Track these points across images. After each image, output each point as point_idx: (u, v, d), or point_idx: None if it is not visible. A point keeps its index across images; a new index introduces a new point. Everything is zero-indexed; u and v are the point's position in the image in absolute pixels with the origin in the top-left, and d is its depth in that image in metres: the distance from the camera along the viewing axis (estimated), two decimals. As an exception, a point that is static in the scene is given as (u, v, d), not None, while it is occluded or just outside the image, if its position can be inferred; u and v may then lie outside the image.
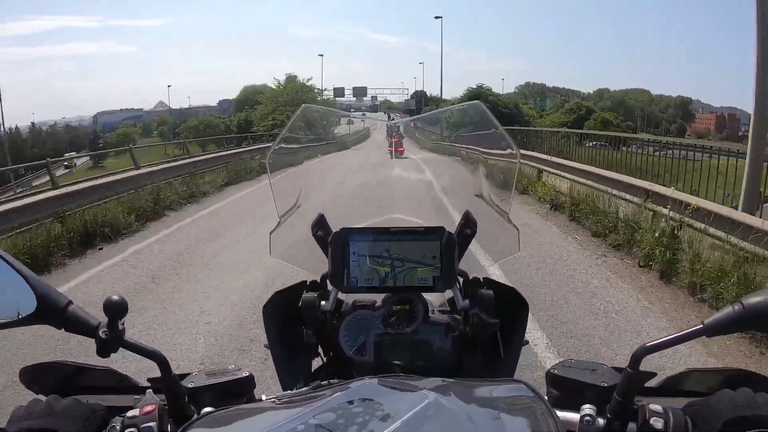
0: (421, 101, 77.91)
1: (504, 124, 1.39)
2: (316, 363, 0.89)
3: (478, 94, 52.33)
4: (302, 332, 0.85)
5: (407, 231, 0.85)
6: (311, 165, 1.08)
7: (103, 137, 50.66)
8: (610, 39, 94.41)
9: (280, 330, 0.86)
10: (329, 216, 0.89)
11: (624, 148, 8.51)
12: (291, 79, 62.76)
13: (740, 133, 46.03)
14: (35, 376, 0.69)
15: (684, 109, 64.95)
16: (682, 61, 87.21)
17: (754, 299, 0.59)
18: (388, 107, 77.75)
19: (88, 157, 36.80)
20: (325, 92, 76.01)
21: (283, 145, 0.96)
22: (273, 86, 55.38)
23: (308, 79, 65.50)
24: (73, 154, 41.46)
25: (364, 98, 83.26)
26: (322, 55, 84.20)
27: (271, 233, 0.92)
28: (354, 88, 73.41)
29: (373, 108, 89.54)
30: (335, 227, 0.87)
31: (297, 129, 1.01)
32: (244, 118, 49.49)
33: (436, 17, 36.64)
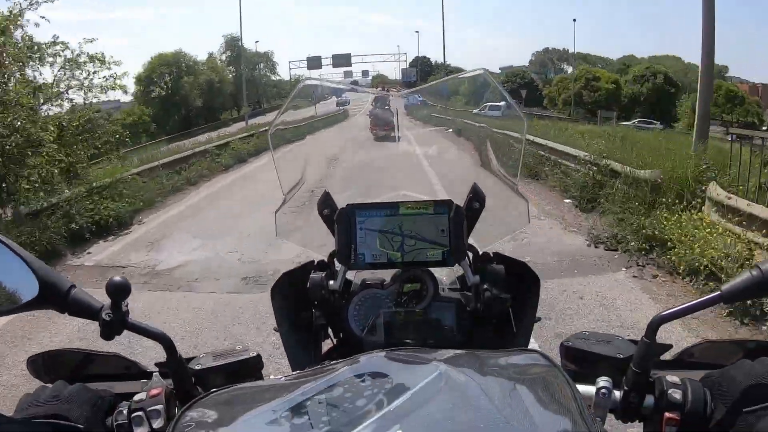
0: (421, 70, 62.69)
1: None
2: (327, 345, 0.91)
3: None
4: (311, 314, 0.89)
5: (414, 205, 0.87)
6: (314, 140, 1.08)
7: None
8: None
9: (289, 312, 0.89)
10: (335, 193, 0.91)
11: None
12: (232, 43, 48.22)
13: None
14: (43, 365, 0.71)
15: (719, 78, 59.62)
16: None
17: None
18: (381, 82, 60.69)
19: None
20: (294, 64, 60.78)
21: (284, 120, 0.98)
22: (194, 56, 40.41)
23: (256, 42, 51.85)
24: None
25: (348, 69, 66.98)
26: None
27: (276, 212, 0.94)
28: (334, 57, 57.28)
29: (364, 85, 73.77)
30: (341, 204, 0.89)
31: (297, 105, 1.00)
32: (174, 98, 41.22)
33: None
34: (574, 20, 43.73)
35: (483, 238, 0.93)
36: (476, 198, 0.89)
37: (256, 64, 53.68)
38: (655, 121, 34.08)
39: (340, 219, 0.87)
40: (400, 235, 0.86)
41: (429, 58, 75.41)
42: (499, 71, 58.46)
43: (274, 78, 60.17)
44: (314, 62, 62.25)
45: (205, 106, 42.79)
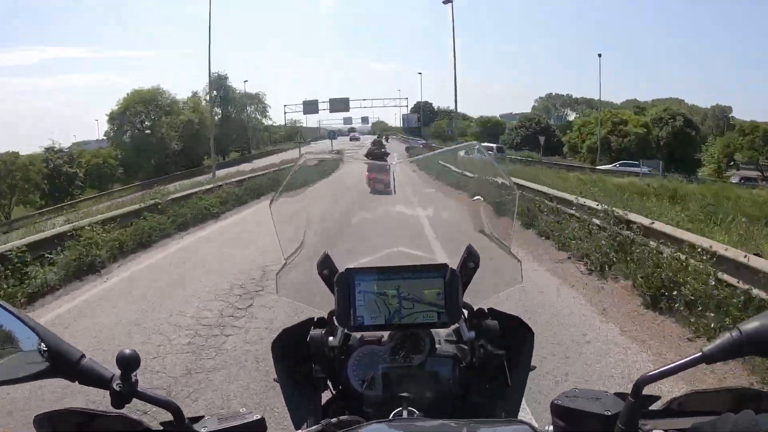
0: (423, 115, 58.94)
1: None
2: (326, 396, 0.96)
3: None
4: (311, 368, 0.92)
5: (411, 269, 0.92)
6: (313, 207, 1.15)
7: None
8: (625, 46, 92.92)
9: (289, 365, 0.93)
10: (333, 253, 0.97)
11: None
12: (219, 82, 44.24)
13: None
14: (49, 424, 0.72)
15: (725, 119, 59.15)
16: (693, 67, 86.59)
17: (751, 325, 0.63)
18: (383, 129, 56.19)
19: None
20: (289, 108, 56.84)
21: (285, 196, 1.06)
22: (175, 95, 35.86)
23: (245, 81, 48.61)
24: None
25: (347, 116, 63.49)
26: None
27: (277, 274, 1.02)
28: (331, 101, 53.32)
29: (363, 134, 69.90)
30: (339, 264, 0.96)
31: (297, 178, 1.10)
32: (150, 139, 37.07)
33: (445, 2, 29.49)
34: (599, 55, 39.99)
35: (478, 295, 1.00)
36: (471, 258, 0.95)
37: (244, 105, 49.69)
38: (640, 165, 31.35)
39: (340, 283, 0.92)
40: (397, 297, 0.91)
41: (431, 103, 72.54)
42: (499, 117, 55.44)
43: (265, 121, 56.45)
44: (311, 107, 58.88)
45: (184, 150, 37.95)
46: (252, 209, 12.40)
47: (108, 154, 35.48)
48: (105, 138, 39.31)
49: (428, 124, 65.49)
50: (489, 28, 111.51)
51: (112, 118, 37.55)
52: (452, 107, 69.25)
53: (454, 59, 25.88)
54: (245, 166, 27.30)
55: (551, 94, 66.36)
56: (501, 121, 53.40)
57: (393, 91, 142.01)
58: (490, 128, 49.96)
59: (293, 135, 71.61)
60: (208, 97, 45.75)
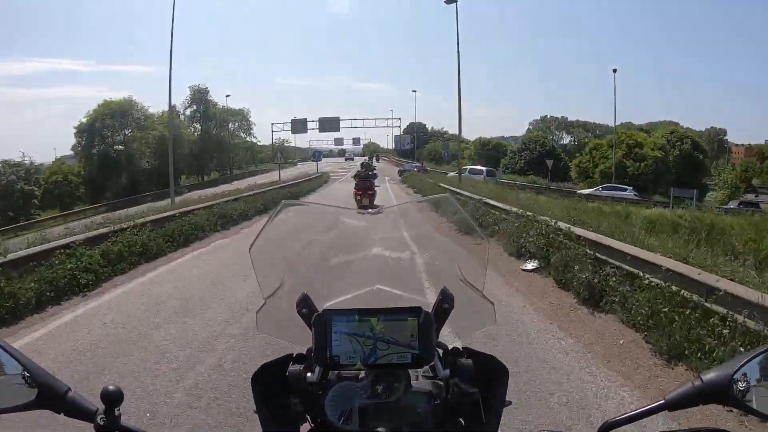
0: (417, 137, 56.63)
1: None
2: (304, 429, 0.98)
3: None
4: (290, 401, 0.95)
5: (386, 311, 0.95)
6: (292, 249, 1.18)
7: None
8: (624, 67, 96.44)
9: (268, 399, 0.96)
10: (312, 292, 1.02)
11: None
12: (199, 96, 41.40)
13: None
14: None
15: (719, 142, 61.38)
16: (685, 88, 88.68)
17: (712, 374, 0.67)
18: (374, 151, 53.44)
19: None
20: (277, 126, 54.24)
21: (265, 240, 1.08)
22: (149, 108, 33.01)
23: (227, 96, 46.06)
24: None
25: (338, 137, 60.84)
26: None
27: (257, 312, 1.03)
28: (321, 121, 50.74)
29: (354, 157, 67.31)
30: (318, 302, 1.00)
31: (278, 224, 1.14)
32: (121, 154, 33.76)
33: (448, 2, 24.32)
34: (614, 70, 37.69)
35: (452, 334, 1.07)
36: (446, 300, 0.99)
37: (226, 121, 46.50)
38: (626, 187, 29.85)
39: (317, 323, 0.94)
40: (372, 339, 0.93)
41: (425, 124, 70.28)
42: (503, 139, 53.57)
43: (249, 139, 53.33)
44: (299, 126, 56.56)
45: (158, 168, 34.50)
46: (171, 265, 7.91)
47: (70, 171, 31.85)
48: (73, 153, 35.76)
49: (421, 146, 63.21)
50: (480, 49, 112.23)
51: (80, 131, 34.11)
52: (446, 129, 67.47)
53: (459, 77, 23.29)
54: (223, 188, 23.84)
55: (546, 117, 65.11)
56: (502, 143, 51.18)
57: (385, 111, 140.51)
58: (489, 151, 47.60)
59: (283, 155, 68.81)
60: (188, 112, 42.13)
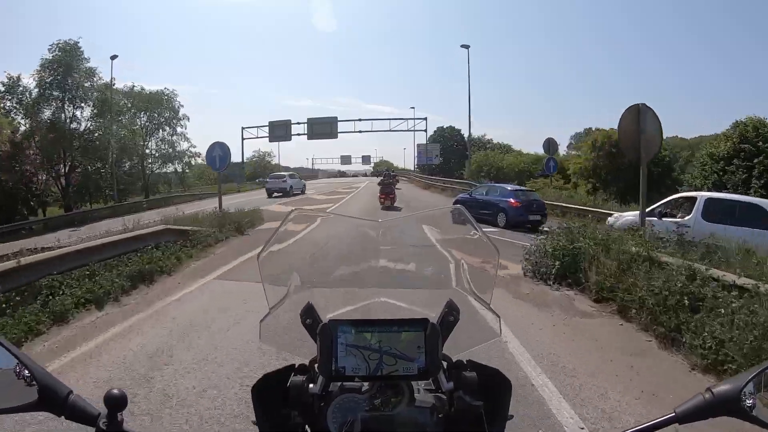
0: (446, 146, 40.07)
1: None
2: None
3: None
4: (290, 413, 0.95)
5: (392, 322, 0.95)
6: (298, 257, 1.19)
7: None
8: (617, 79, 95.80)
9: (269, 410, 0.95)
10: (317, 302, 1.02)
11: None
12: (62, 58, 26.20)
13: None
14: None
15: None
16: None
17: (722, 387, 0.68)
18: (386, 168, 35.44)
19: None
20: (249, 132, 37.55)
21: (273, 248, 1.08)
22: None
23: (112, 58, 32.49)
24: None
25: (344, 153, 45.17)
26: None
27: (261, 321, 1.03)
28: (311, 122, 37.77)
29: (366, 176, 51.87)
30: (323, 313, 1.00)
31: (287, 231, 1.11)
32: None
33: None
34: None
35: (457, 347, 1.03)
36: (451, 312, 0.99)
37: (127, 111, 30.79)
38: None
39: (322, 334, 0.94)
40: (378, 351, 0.93)
41: (460, 129, 51.75)
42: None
43: (183, 145, 38.14)
44: (280, 130, 39.80)
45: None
46: None
47: None
48: None
49: (451, 158, 46.35)
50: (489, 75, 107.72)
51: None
52: (488, 136, 49.84)
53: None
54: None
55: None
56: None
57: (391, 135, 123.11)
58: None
59: (258, 171, 50.90)
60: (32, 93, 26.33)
